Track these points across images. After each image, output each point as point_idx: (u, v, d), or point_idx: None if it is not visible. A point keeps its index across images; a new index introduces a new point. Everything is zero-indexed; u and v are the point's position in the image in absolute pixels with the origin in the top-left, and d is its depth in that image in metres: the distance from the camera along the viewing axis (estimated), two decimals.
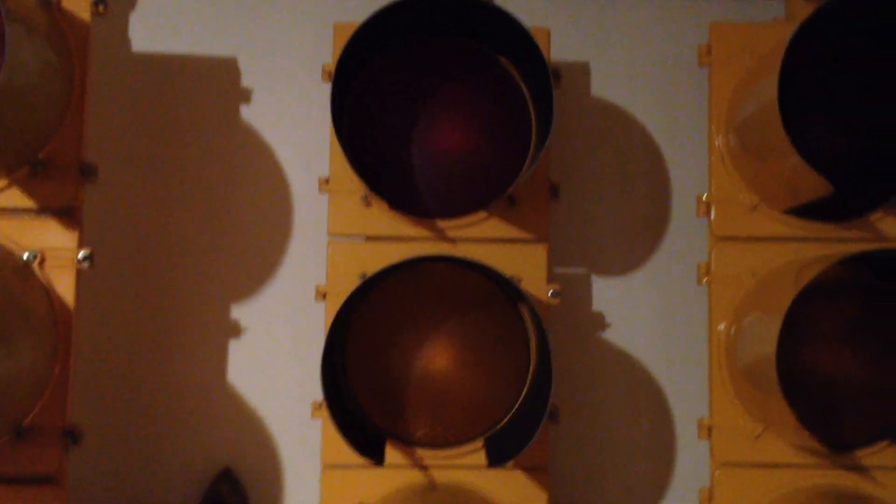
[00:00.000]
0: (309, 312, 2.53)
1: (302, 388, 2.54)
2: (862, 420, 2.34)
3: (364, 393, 2.44)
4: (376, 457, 2.25)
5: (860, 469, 2.32)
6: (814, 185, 2.14)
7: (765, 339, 2.15)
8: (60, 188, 2.14)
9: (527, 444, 2.15)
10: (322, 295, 2.41)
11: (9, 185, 2.13)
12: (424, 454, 2.41)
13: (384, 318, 2.46)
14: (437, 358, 2.47)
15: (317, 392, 2.32)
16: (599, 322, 2.64)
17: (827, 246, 2.33)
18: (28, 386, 2.01)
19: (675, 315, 2.61)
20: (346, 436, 2.20)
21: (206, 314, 2.64)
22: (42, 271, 2.12)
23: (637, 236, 2.66)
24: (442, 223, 2.43)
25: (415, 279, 2.45)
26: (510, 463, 2.40)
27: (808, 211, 2.34)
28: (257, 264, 2.65)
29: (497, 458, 2.27)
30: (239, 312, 2.64)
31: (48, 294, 2.10)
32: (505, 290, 2.42)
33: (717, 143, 2.43)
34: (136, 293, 2.61)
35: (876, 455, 2.32)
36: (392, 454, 2.40)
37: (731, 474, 2.37)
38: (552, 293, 2.43)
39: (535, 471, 2.40)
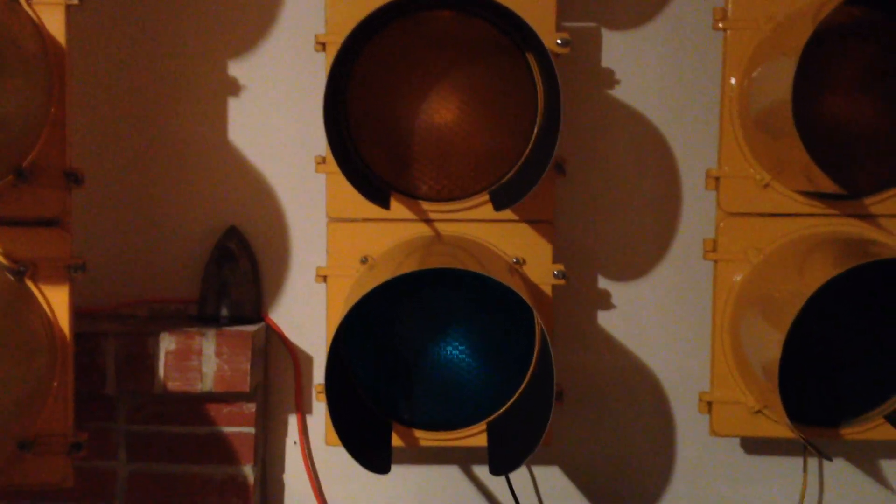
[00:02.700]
0: (308, 65, 2.46)
1: (304, 144, 2.51)
2: (872, 168, 2.30)
3: (368, 147, 2.39)
4: (382, 203, 2.24)
5: (867, 216, 2.32)
6: None
7: (780, 81, 2.08)
8: None
9: (531, 188, 2.13)
10: (321, 45, 2.33)
11: None
12: (429, 207, 2.40)
13: (386, 70, 2.38)
14: (441, 110, 2.40)
15: (319, 147, 2.29)
16: (608, 78, 2.57)
17: None
18: (23, 124, 1.96)
19: (687, 68, 2.52)
20: (353, 182, 2.19)
21: (203, 72, 2.56)
22: (30, 8, 2.03)
23: None
24: None
25: (417, 28, 2.35)
26: (516, 216, 2.40)
27: None
28: (252, 18, 2.54)
29: (502, 205, 2.26)
30: (236, 69, 2.56)
31: (39, 31, 2.02)
32: (513, 37, 2.33)
33: None
34: (129, 43, 2.54)
35: (884, 202, 2.31)
36: (397, 208, 2.39)
37: (737, 224, 2.36)
38: (561, 42, 2.34)
39: (540, 224, 2.40)
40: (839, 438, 2.33)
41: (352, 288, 2.33)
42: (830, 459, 2.29)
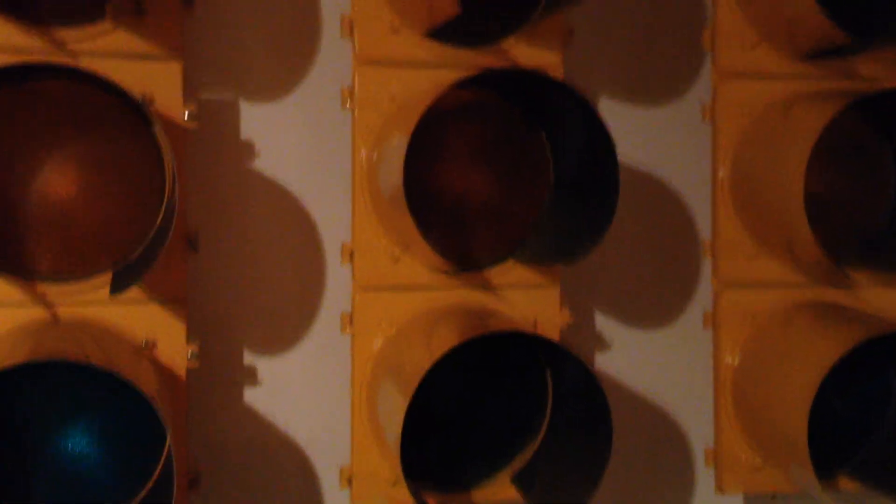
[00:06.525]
0: None
1: None
2: (490, 240, 2.44)
3: None
4: None
5: (489, 287, 2.45)
6: (446, 5, 2.13)
7: (396, 159, 2.16)
8: None
9: (147, 269, 2.04)
10: None
11: None
12: (48, 289, 2.23)
13: None
14: (60, 183, 2.25)
15: None
16: (248, 150, 2.53)
17: (463, 72, 2.35)
18: None
19: (322, 141, 2.54)
20: None
21: None
22: None
23: (283, 58, 2.52)
24: (61, 33, 2.18)
25: (27, 98, 2.19)
26: (144, 295, 2.29)
27: (445, 34, 2.33)
28: None
29: (120, 286, 2.13)
30: None
31: None
32: (134, 108, 2.22)
33: None
34: None
35: (503, 274, 2.45)
36: (9, 291, 2.20)
37: (371, 298, 2.41)
38: (188, 116, 2.29)
39: (172, 303, 2.31)
40: (471, 502, 2.43)
41: None
42: None
